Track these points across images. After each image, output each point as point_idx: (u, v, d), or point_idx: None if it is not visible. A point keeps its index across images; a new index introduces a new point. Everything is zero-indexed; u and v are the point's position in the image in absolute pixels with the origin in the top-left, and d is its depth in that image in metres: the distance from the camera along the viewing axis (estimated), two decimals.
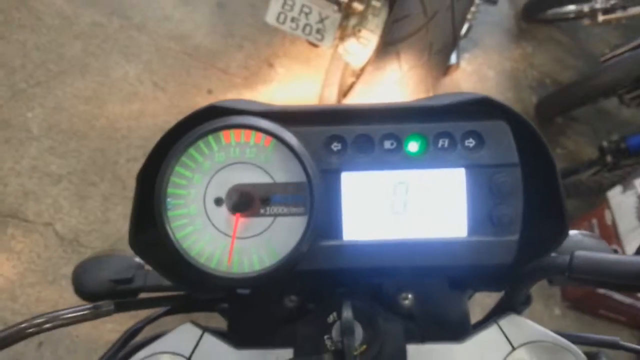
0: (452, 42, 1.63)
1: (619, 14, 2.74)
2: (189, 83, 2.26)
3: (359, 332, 0.48)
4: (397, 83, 1.60)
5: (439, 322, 0.55)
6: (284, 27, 1.71)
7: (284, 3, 1.69)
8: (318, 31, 1.73)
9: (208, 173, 0.46)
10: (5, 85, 2.02)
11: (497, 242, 0.47)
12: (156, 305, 0.62)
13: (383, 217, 0.47)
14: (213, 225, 0.47)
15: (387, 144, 0.47)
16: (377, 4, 1.71)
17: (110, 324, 1.69)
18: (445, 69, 1.84)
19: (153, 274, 0.71)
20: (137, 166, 1.97)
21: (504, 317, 0.50)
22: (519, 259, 0.48)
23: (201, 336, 0.52)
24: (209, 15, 2.45)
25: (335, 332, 0.49)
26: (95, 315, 0.54)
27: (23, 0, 2.21)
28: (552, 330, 0.50)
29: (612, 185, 2.24)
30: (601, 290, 2.07)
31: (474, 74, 2.77)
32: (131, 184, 1.97)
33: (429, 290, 0.56)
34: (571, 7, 2.91)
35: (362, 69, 1.78)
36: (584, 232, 0.65)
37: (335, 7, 1.71)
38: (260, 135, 0.46)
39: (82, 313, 0.54)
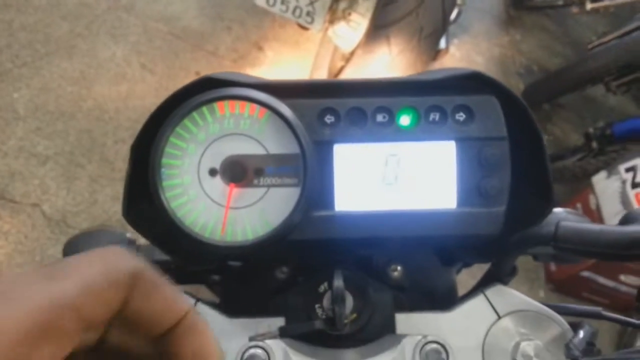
0: (442, 27, 1.64)
1: (606, 2, 2.76)
2: (177, 65, 2.24)
3: (349, 301, 0.50)
4: (387, 67, 1.60)
5: (427, 293, 0.56)
6: (273, 10, 1.70)
7: None
8: (308, 14, 1.73)
9: (202, 144, 0.47)
10: None
11: (485, 213, 0.48)
12: None
13: (375, 188, 0.48)
14: (207, 195, 0.47)
15: (380, 117, 0.48)
16: None
17: None
18: (434, 53, 1.85)
19: (144, 248, 0.71)
20: (125, 148, 1.97)
21: (491, 287, 0.51)
22: (505, 230, 0.49)
23: (194, 305, 0.53)
24: None
25: (326, 300, 0.50)
26: None
27: None
28: (537, 301, 0.51)
29: (596, 170, 2.27)
30: (585, 273, 2.11)
31: (462, 59, 2.79)
32: (119, 165, 1.97)
33: (418, 263, 0.57)
34: None
35: (352, 53, 1.78)
36: (568, 209, 0.66)
37: None
38: (255, 106, 0.46)
39: None
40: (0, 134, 1.90)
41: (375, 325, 0.50)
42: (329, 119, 0.48)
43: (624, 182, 2.10)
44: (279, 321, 0.51)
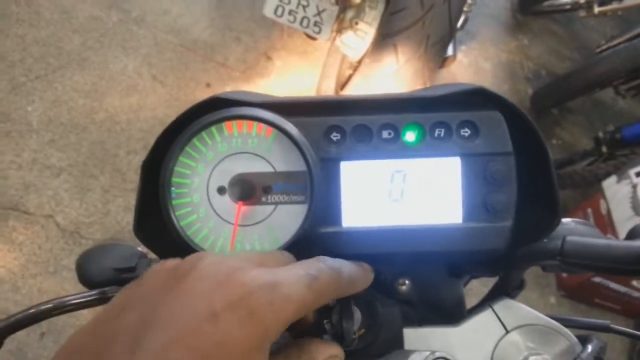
0: (449, 35, 1.64)
1: (614, 5, 2.75)
2: (187, 76, 2.27)
3: (357, 316, 0.50)
4: (394, 75, 1.61)
5: (435, 307, 0.57)
6: (281, 20, 1.72)
7: None
8: (315, 24, 1.74)
9: (211, 163, 0.48)
10: (5, 79, 2.03)
11: (491, 228, 0.48)
12: None
13: (381, 204, 0.49)
14: (216, 213, 0.48)
15: (385, 134, 0.49)
16: None
17: None
18: (441, 60, 1.85)
19: (156, 262, 0.72)
20: (137, 159, 1.99)
21: (498, 301, 0.52)
22: (512, 245, 0.49)
23: None
24: (207, 9, 2.46)
25: (334, 316, 0.50)
26: (101, 300, 0.56)
27: None
28: (545, 314, 0.51)
29: (607, 175, 2.26)
30: (596, 279, 2.10)
31: (470, 66, 2.79)
32: (131, 176, 1.99)
33: (425, 276, 0.57)
34: None
35: (360, 62, 1.79)
36: (577, 219, 0.66)
37: (333, 0, 1.72)
38: (262, 126, 0.47)
39: (89, 299, 0.55)
40: (15, 146, 1.93)
41: (384, 340, 0.50)
42: (335, 136, 0.49)
43: (634, 186, 2.09)
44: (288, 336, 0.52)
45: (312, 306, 0.36)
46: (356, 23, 1.75)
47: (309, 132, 0.48)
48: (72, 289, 1.75)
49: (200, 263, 0.34)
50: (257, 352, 0.31)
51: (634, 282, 2.07)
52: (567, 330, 0.50)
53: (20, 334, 1.65)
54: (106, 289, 0.57)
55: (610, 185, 2.22)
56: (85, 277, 0.69)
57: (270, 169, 0.48)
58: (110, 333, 0.32)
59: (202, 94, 2.24)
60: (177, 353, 0.29)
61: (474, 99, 0.49)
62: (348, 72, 2.06)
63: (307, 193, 0.47)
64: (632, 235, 0.46)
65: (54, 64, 2.11)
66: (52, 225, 1.84)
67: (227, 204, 0.48)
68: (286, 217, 0.48)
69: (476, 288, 1.05)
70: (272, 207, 0.48)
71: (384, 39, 1.58)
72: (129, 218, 1.92)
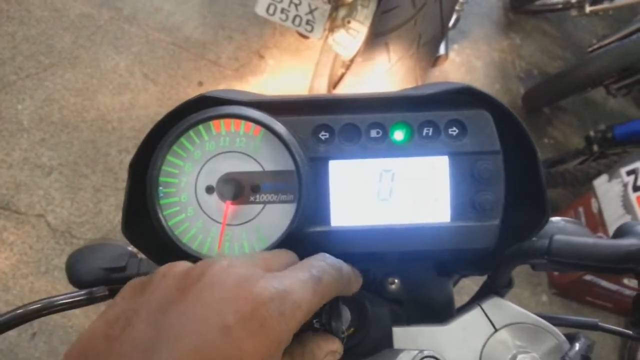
0: (440, 34, 1.64)
1: (605, 4, 2.77)
2: (179, 75, 2.26)
3: (347, 315, 0.50)
4: (386, 74, 1.61)
5: (424, 306, 0.57)
6: (273, 19, 1.72)
7: None
8: (308, 22, 1.74)
9: (199, 162, 0.48)
10: None
11: (479, 227, 0.48)
12: None
13: (370, 203, 0.49)
14: (204, 212, 0.48)
15: (374, 133, 0.49)
16: None
17: None
18: (433, 59, 1.86)
19: (146, 261, 0.72)
20: (128, 157, 1.98)
21: (487, 299, 0.52)
22: (500, 243, 0.49)
23: None
24: (199, 7, 2.45)
25: (324, 315, 0.50)
26: (89, 300, 0.56)
27: None
28: (533, 313, 0.52)
29: (598, 174, 2.27)
30: (587, 277, 2.11)
31: (462, 65, 2.79)
32: (123, 175, 1.98)
33: (415, 275, 0.58)
34: None
35: (352, 60, 1.79)
36: (566, 218, 0.67)
37: None
38: (250, 124, 0.47)
39: (77, 299, 0.55)
40: (5, 145, 1.92)
41: (373, 339, 0.50)
42: (324, 135, 0.49)
43: (625, 185, 2.10)
44: None
45: (317, 308, 0.37)
46: (348, 22, 1.74)
47: (298, 131, 0.48)
48: (63, 288, 1.74)
49: (210, 271, 0.34)
50: None
51: (625, 280, 2.08)
52: (555, 329, 0.50)
53: (11, 334, 1.64)
54: (94, 289, 0.57)
55: (601, 184, 2.23)
56: (75, 277, 0.68)
57: (259, 168, 0.48)
58: (119, 348, 0.31)
59: (194, 92, 2.23)
60: None
61: (462, 98, 0.49)
62: (341, 70, 2.06)
63: (295, 192, 0.47)
64: (618, 233, 0.46)
65: (45, 62, 2.10)
66: (43, 225, 1.83)
67: (215, 203, 0.48)
68: (275, 217, 0.48)
69: (468, 287, 1.05)
70: (260, 206, 0.48)
71: (376, 37, 1.58)
72: (120, 217, 1.90)
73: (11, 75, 2.04)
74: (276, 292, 0.33)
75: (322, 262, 0.39)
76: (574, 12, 2.87)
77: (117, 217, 1.91)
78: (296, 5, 1.72)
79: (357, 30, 1.74)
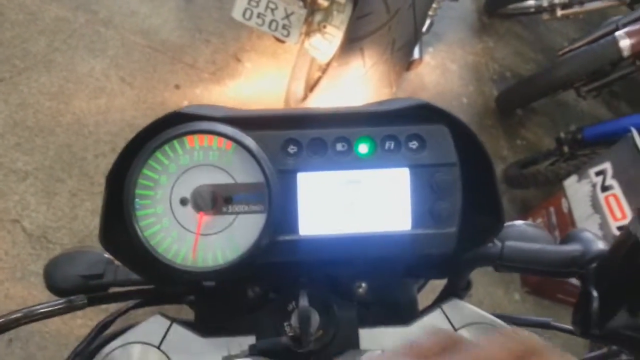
0: (414, 39, 1.68)
1: (576, 8, 2.85)
2: (155, 78, 2.26)
3: (315, 318, 0.53)
4: (361, 78, 1.64)
5: (389, 308, 0.60)
6: (250, 23, 1.73)
7: None
8: (284, 27, 1.76)
9: (174, 175, 0.50)
10: None
11: (438, 234, 0.52)
12: (127, 298, 0.66)
13: (336, 213, 0.52)
14: (179, 223, 0.50)
15: (339, 146, 0.52)
16: (342, 1, 1.74)
17: (80, 319, 1.71)
18: (408, 64, 1.89)
19: (123, 268, 0.74)
20: (105, 162, 1.98)
21: (447, 301, 0.55)
22: (458, 249, 0.53)
23: (169, 326, 0.56)
24: (175, 10, 2.46)
25: (294, 319, 0.53)
26: (69, 309, 0.57)
27: None
28: (490, 313, 0.55)
29: (568, 174, 2.33)
30: None
31: (437, 67, 2.84)
32: (99, 179, 1.98)
33: (381, 279, 0.61)
34: (531, 2, 3.01)
35: (328, 64, 1.81)
36: (528, 222, 0.70)
37: (301, 3, 1.74)
38: (222, 139, 0.49)
39: (56, 307, 0.57)
40: None
41: (340, 341, 0.53)
42: (292, 149, 0.51)
43: (594, 185, 2.16)
44: (251, 339, 0.55)
45: None
46: (324, 26, 1.77)
47: (267, 145, 0.51)
48: (39, 294, 1.74)
49: None
50: None
51: None
52: (510, 328, 0.54)
53: None
54: (73, 297, 0.59)
55: (571, 184, 2.30)
56: (53, 284, 0.70)
57: (231, 180, 0.50)
58: None
59: (171, 96, 2.25)
60: None
61: (421, 113, 0.53)
62: (317, 74, 2.09)
63: (265, 203, 0.50)
64: (565, 240, 0.49)
65: (20, 66, 2.09)
66: (18, 230, 1.82)
67: (189, 214, 0.50)
68: (246, 226, 0.50)
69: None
70: (232, 216, 0.50)
71: (351, 42, 1.61)
72: (96, 222, 1.90)
73: None
74: None
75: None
76: (546, 16, 2.95)
77: (94, 222, 1.91)
78: (272, 10, 1.74)
79: (333, 35, 1.77)
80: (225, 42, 2.46)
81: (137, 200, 0.50)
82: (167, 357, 0.55)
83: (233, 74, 2.40)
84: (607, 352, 0.56)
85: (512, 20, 3.30)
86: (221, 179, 0.50)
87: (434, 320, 0.54)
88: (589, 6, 2.83)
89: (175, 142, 0.49)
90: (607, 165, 2.14)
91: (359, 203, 0.52)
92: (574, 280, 1.74)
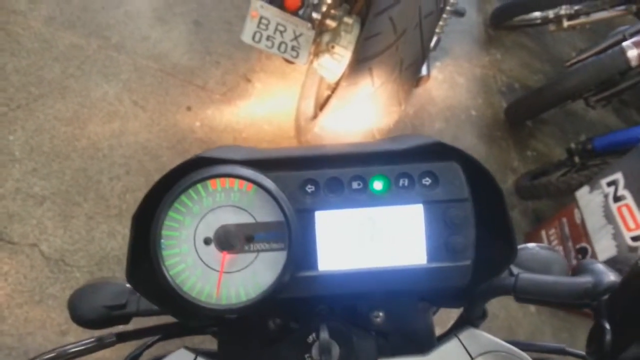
0: (422, 57, 1.70)
1: (582, 19, 2.86)
2: (168, 101, 2.30)
3: (335, 350, 0.55)
4: (370, 97, 1.67)
5: (407, 337, 0.62)
6: (259, 46, 1.76)
7: (259, 22, 1.74)
8: (293, 48, 1.79)
9: (197, 216, 0.52)
10: None
11: (453, 267, 0.53)
12: (153, 334, 0.68)
13: (353, 249, 0.54)
14: (203, 262, 0.52)
15: (355, 185, 0.54)
16: (349, 21, 1.77)
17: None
18: (416, 81, 1.91)
19: (145, 300, 0.76)
20: (120, 184, 2.02)
21: (463, 330, 0.57)
22: (473, 280, 0.54)
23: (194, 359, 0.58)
24: (185, 34, 2.50)
25: (314, 350, 0.55)
26: (99, 347, 0.60)
27: (1, 24, 2.23)
28: (505, 340, 0.57)
29: (580, 185, 2.33)
30: None
31: (445, 81, 2.86)
32: (114, 202, 2.01)
33: (398, 308, 0.62)
34: (537, 14, 3.03)
35: (337, 84, 1.84)
36: (540, 244, 0.72)
37: (309, 25, 1.76)
38: (243, 182, 0.52)
39: (87, 346, 0.59)
40: None
41: None
42: (310, 188, 0.54)
43: (606, 196, 2.16)
44: None
45: None
46: (332, 47, 1.80)
47: (286, 186, 0.53)
48: (57, 317, 1.77)
49: None
50: None
51: None
52: (525, 355, 0.55)
53: None
54: (103, 335, 0.61)
55: (583, 195, 2.30)
56: (77, 315, 0.72)
57: (252, 220, 0.53)
58: None
59: (183, 118, 2.28)
60: None
61: (433, 150, 0.55)
62: (326, 92, 2.12)
63: (285, 241, 0.52)
64: (577, 271, 0.51)
65: (35, 93, 2.14)
66: (36, 254, 1.86)
67: (212, 253, 0.52)
68: (267, 264, 0.52)
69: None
70: (254, 254, 0.53)
71: (360, 63, 1.63)
72: (113, 244, 1.94)
73: (2, 107, 2.07)
74: None
75: None
76: (552, 27, 2.96)
77: (110, 244, 1.94)
78: (281, 32, 1.77)
79: (342, 55, 1.79)
80: (235, 63, 2.50)
81: (163, 240, 0.52)
82: None
83: (243, 95, 2.43)
84: None
85: (518, 32, 3.32)
86: (242, 218, 0.52)
87: (451, 349, 0.56)
88: (595, 16, 2.84)
89: (199, 185, 0.52)
90: (618, 176, 2.14)
91: (376, 239, 0.53)
92: None
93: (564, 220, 2.40)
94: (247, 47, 2.46)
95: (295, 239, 0.51)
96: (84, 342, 0.60)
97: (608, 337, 0.43)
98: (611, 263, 2.06)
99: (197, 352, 0.58)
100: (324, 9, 1.74)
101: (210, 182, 0.52)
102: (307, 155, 0.55)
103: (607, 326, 0.44)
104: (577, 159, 2.52)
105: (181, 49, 2.45)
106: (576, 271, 0.51)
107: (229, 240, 0.52)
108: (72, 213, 1.96)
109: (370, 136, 1.78)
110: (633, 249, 2.00)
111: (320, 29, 1.81)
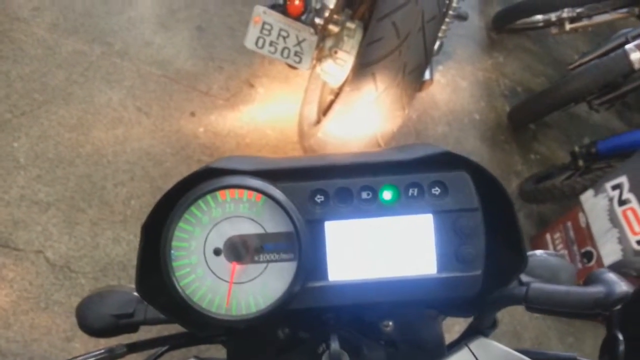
0: (425, 62, 1.70)
1: (584, 22, 2.86)
2: (171, 106, 2.31)
3: None
4: (374, 102, 1.67)
5: (417, 347, 0.61)
6: (262, 51, 1.76)
7: (262, 28, 1.75)
8: (296, 54, 1.79)
9: (207, 227, 0.52)
10: None
11: (463, 277, 0.53)
12: (163, 344, 0.68)
13: (363, 259, 0.53)
14: (213, 272, 0.52)
15: (364, 195, 0.54)
16: (352, 26, 1.77)
17: None
18: (419, 85, 1.91)
19: (153, 308, 0.76)
20: (124, 190, 2.02)
21: (474, 340, 0.57)
22: (483, 290, 0.54)
23: None
24: (188, 40, 2.51)
25: None
26: (110, 358, 0.60)
27: (4, 31, 2.24)
28: (515, 349, 0.56)
29: (584, 189, 2.32)
30: None
31: (448, 85, 2.86)
32: (119, 208, 2.01)
33: (407, 317, 0.62)
34: (539, 17, 3.03)
35: (340, 89, 1.84)
36: (548, 251, 0.72)
37: (312, 30, 1.77)
38: (252, 192, 0.52)
39: (97, 357, 0.59)
40: (2, 183, 1.95)
41: None
42: (319, 198, 0.54)
43: (611, 199, 2.16)
44: None
45: None
46: (335, 52, 1.80)
47: (296, 196, 0.53)
48: (62, 323, 1.77)
49: None
50: None
51: None
52: None
53: None
54: (113, 346, 0.61)
55: (588, 198, 2.29)
56: (85, 324, 0.72)
57: (261, 231, 0.52)
58: None
59: (187, 123, 2.29)
60: None
61: (442, 160, 0.54)
62: (329, 97, 2.12)
63: (295, 252, 0.52)
64: (588, 281, 0.51)
65: (39, 100, 2.14)
66: (42, 261, 1.86)
67: (222, 264, 0.52)
68: (277, 274, 0.52)
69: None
70: (264, 265, 0.53)
71: (363, 67, 1.63)
72: (118, 250, 1.95)
73: (6, 114, 2.07)
74: None
75: None
76: (554, 30, 2.96)
77: (115, 250, 1.94)
78: (284, 38, 1.77)
79: (344, 60, 1.79)
80: (238, 68, 2.50)
81: (173, 251, 0.52)
82: None
83: (247, 100, 2.44)
84: None
85: (520, 36, 3.32)
86: (252, 229, 0.52)
87: (461, 359, 0.55)
88: (597, 19, 2.84)
89: (208, 196, 0.52)
90: (623, 179, 2.14)
91: (386, 249, 0.53)
92: None
93: (569, 224, 2.39)
94: (250, 52, 2.45)
95: (305, 249, 0.51)
96: (94, 353, 0.60)
97: (621, 347, 0.43)
98: (616, 267, 2.06)
99: None
100: (327, 14, 1.74)
101: (219, 193, 0.52)
102: (316, 165, 0.55)
103: (620, 337, 0.43)
104: (581, 163, 2.51)
105: (184, 55, 2.45)
106: (588, 281, 0.51)
107: (238, 250, 0.52)
108: (77, 219, 1.96)
109: (374, 141, 1.77)
110: (638, 253, 1.99)
111: (323, 34, 1.81)
